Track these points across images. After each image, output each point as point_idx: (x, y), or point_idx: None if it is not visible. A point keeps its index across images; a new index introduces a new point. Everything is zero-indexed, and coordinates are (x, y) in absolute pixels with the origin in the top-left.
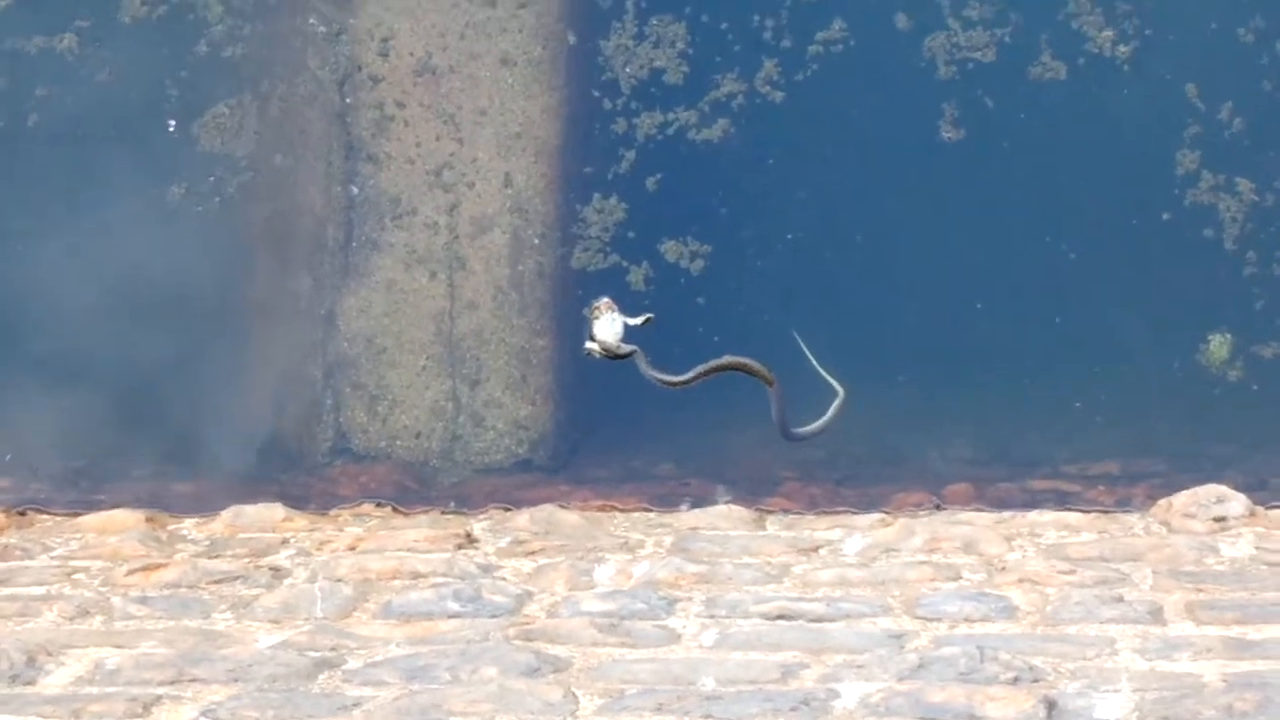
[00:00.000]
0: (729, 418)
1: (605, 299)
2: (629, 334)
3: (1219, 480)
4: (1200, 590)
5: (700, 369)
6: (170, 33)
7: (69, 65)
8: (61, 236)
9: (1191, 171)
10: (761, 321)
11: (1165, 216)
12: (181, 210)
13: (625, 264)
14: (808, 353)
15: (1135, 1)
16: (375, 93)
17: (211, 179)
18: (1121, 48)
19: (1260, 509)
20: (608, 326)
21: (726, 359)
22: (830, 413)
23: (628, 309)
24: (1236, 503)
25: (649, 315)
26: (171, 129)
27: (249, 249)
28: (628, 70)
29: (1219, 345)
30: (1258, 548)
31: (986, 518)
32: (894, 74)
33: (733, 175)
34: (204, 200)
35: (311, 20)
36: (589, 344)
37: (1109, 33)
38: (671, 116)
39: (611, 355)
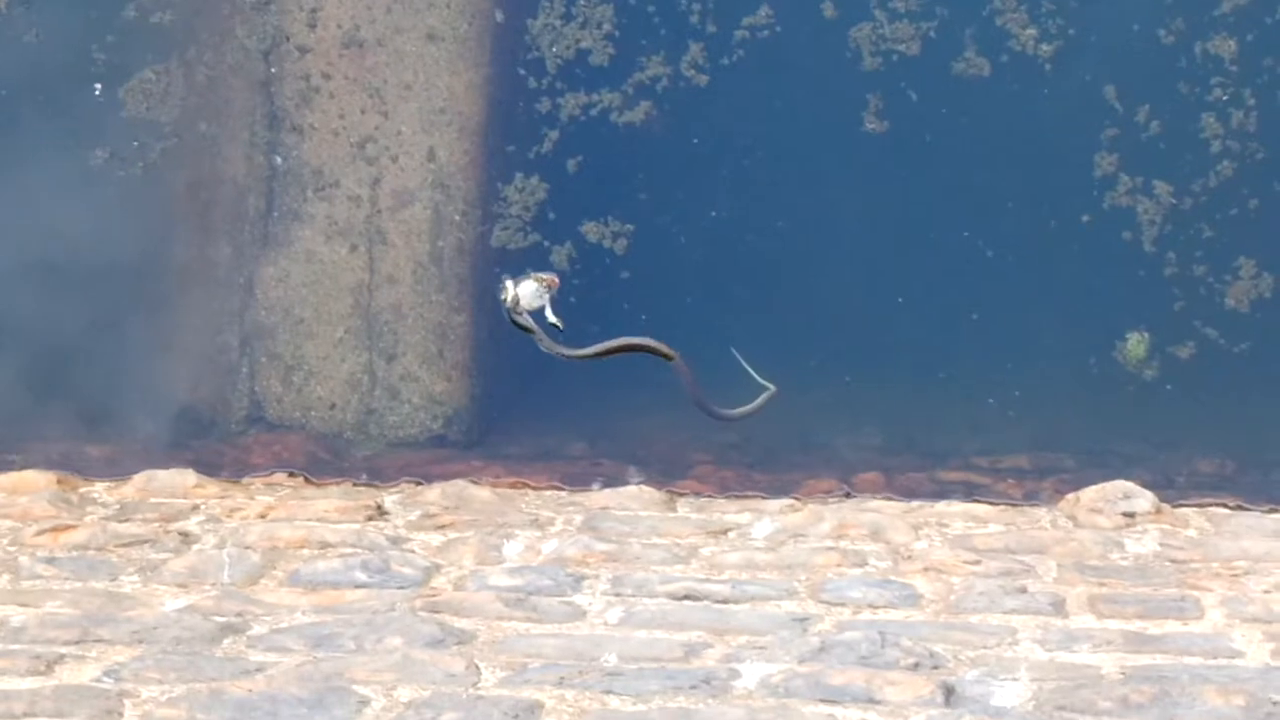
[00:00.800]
0: (643, 400)
1: (554, 275)
2: (537, 316)
3: (1127, 477)
4: (1103, 584)
5: (598, 347)
6: None
7: None
8: None
9: (1109, 174)
10: (683, 304)
11: (1085, 219)
12: (104, 175)
13: (546, 243)
14: (743, 362)
15: (1059, 1)
16: (301, 63)
17: (135, 144)
18: (1044, 46)
19: (1166, 507)
20: (533, 293)
21: (624, 340)
22: (759, 400)
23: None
24: (1143, 499)
25: (560, 326)
26: (97, 93)
27: (170, 216)
28: (554, 50)
29: (1136, 344)
30: (1162, 544)
31: (895, 506)
32: (819, 63)
33: (655, 158)
34: (127, 165)
35: None
36: (508, 282)
37: (1032, 30)
38: (595, 98)
39: (513, 315)
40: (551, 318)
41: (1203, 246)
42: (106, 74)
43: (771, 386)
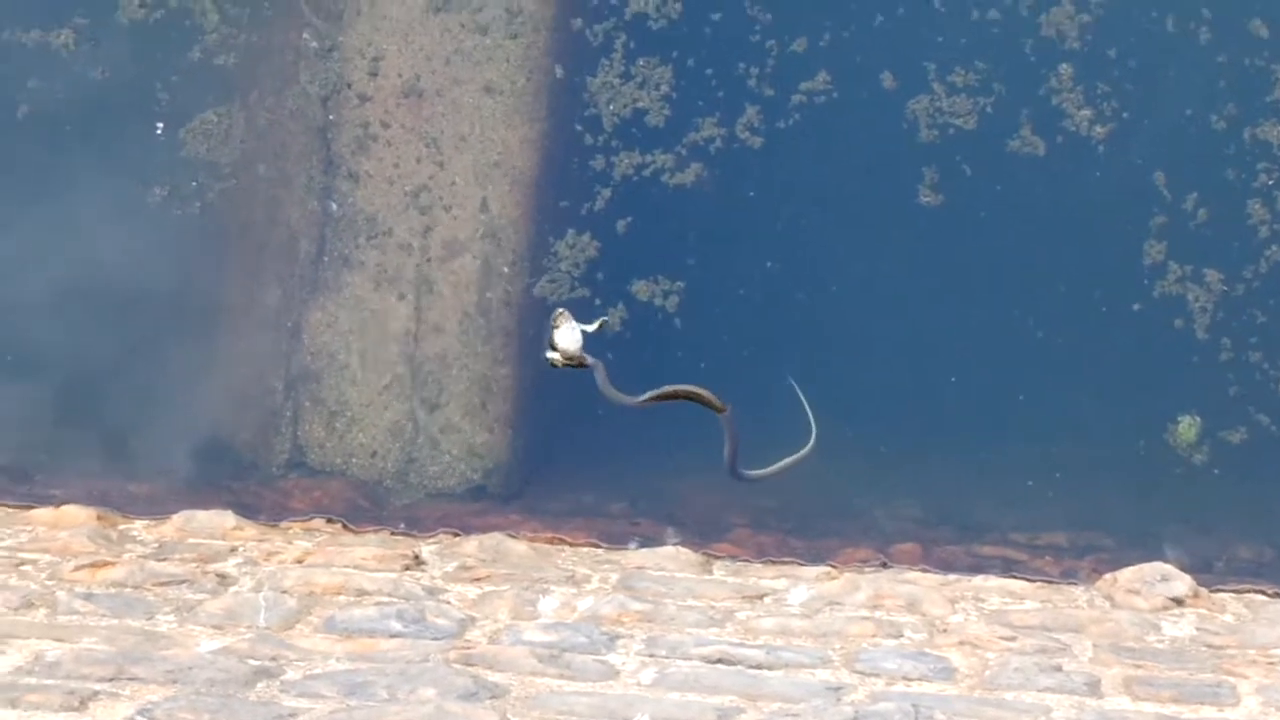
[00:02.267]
0: (683, 461)
1: (561, 310)
2: (588, 343)
3: (1165, 560)
4: (1139, 666)
5: (653, 393)
6: (165, 37)
7: (64, 60)
8: (40, 230)
9: (1159, 262)
10: (728, 366)
11: (1136, 307)
12: (161, 212)
13: (594, 300)
14: (801, 396)
15: (1114, 82)
16: (361, 111)
17: (194, 184)
18: (1098, 128)
19: (1204, 591)
20: (568, 335)
21: (678, 387)
22: (786, 461)
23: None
24: (1180, 582)
25: (603, 319)
26: (159, 131)
27: (223, 256)
28: (611, 108)
29: (1187, 428)
30: (1199, 629)
31: (932, 579)
32: (875, 132)
33: (706, 220)
34: (184, 204)
35: (305, 35)
36: (550, 353)
37: (1087, 112)
38: (649, 158)
39: (572, 364)
40: (591, 326)
41: (1258, 333)
42: (169, 113)
43: (811, 441)
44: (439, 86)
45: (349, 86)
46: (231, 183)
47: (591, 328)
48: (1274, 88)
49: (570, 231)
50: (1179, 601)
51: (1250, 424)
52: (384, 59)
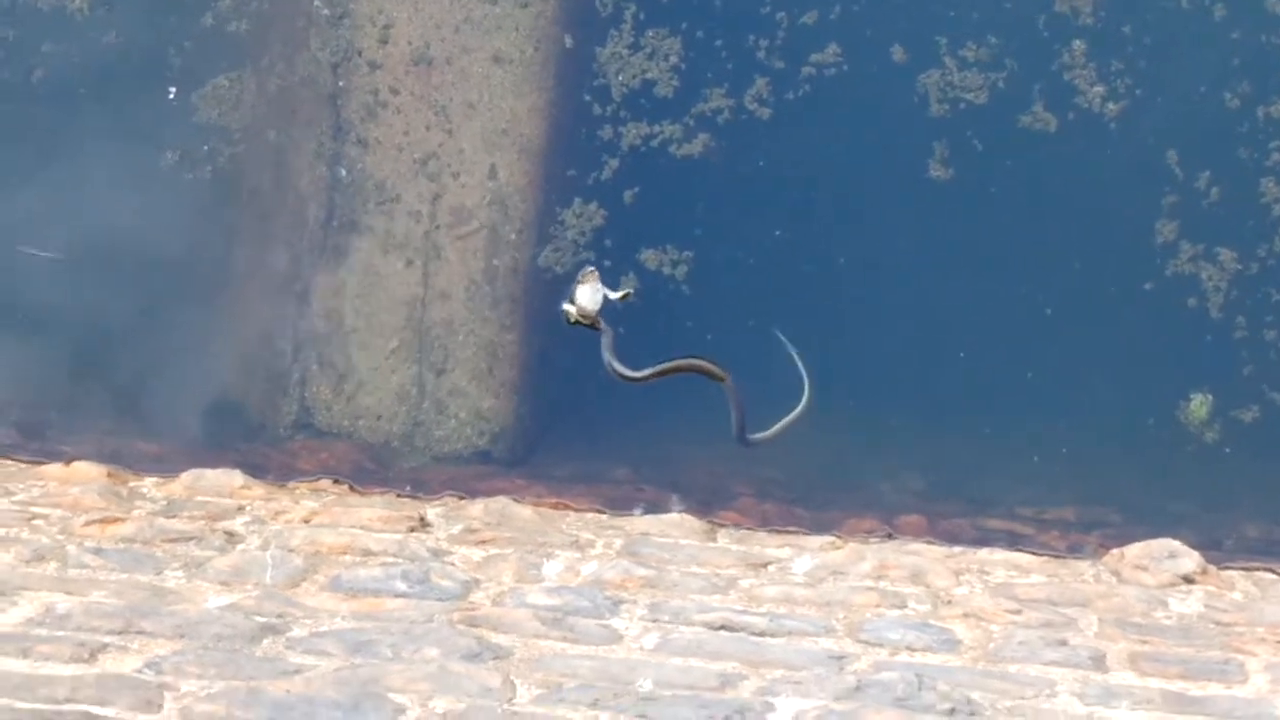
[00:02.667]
0: (688, 428)
1: (592, 268)
2: (606, 309)
3: (1173, 536)
4: (1145, 642)
5: (654, 369)
6: (179, 2)
7: (78, 25)
8: (53, 193)
9: (1170, 241)
10: (735, 335)
11: (1148, 286)
12: (172, 176)
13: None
14: (791, 351)
15: (1127, 59)
16: (371, 78)
17: (205, 148)
18: (1111, 105)
19: (1212, 568)
20: (590, 294)
21: (680, 360)
22: (787, 419)
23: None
24: (1188, 559)
25: (629, 290)
26: (172, 96)
27: (233, 220)
28: (620, 79)
29: (1199, 405)
30: (1207, 605)
31: (937, 550)
32: (886, 105)
33: (713, 191)
34: (196, 168)
35: (316, 2)
36: (567, 305)
37: (1100, 88)
38: (657, 129)
39: (585, 322)
40: (617, 294)
41: (1272, 311)
42: (182, 78)
43: (805, 395)
44: (448, 54)
45: (359, 54)
46: (242, 148)
47: (616, 294)
48: None
49: (577, 200)
50: (1188, 579)
51: (1263, 402)
52: (394, 26)
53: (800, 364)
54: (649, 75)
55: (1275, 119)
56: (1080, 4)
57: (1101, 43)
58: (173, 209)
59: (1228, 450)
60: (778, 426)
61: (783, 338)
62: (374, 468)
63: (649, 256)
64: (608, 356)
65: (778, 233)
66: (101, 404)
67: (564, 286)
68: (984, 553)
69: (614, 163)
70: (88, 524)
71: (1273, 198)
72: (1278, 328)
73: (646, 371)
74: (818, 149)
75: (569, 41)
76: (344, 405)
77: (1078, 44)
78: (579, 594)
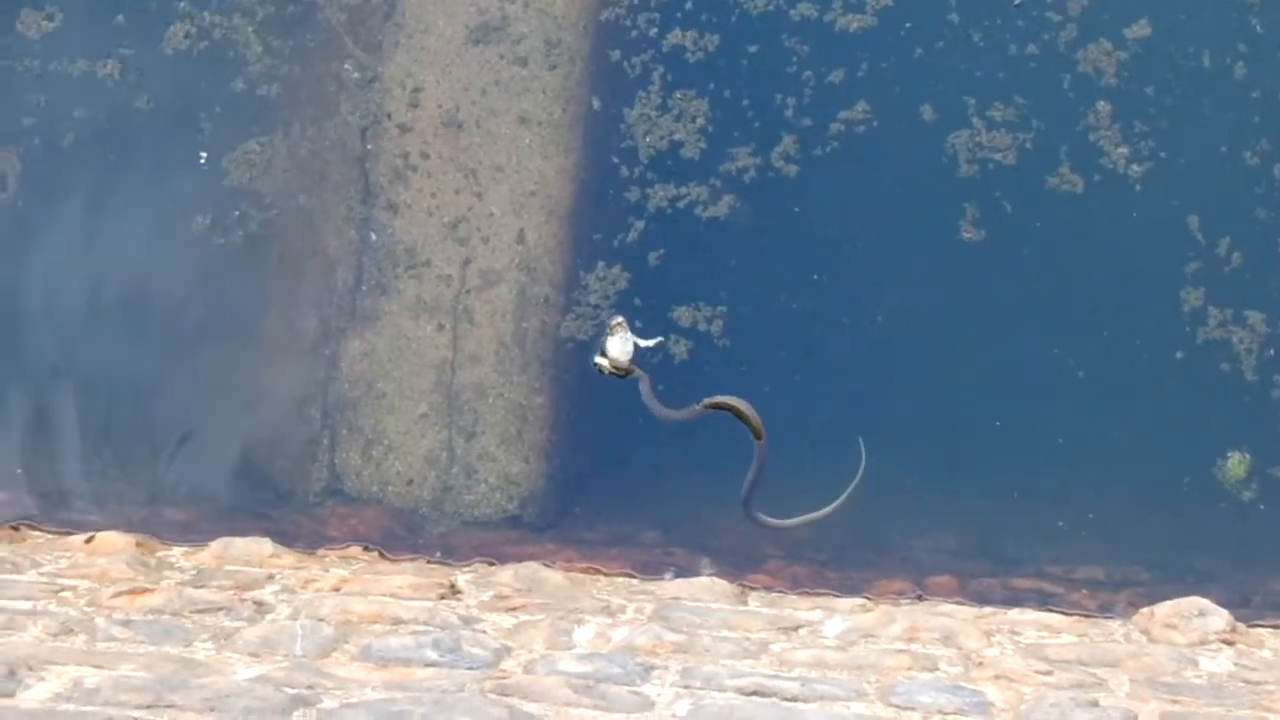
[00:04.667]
0: (718, 491)
1: (620, 317)
2: (637, 357)
3: (1202, 594)
4: (1176, 702)
5: (695, 407)
6: (209, 67)
7: (109, 90)
8: (83, 257)
9: (1198, 308)
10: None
11: (1179, 355)
12: (204, 241)
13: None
14: (861, 466)
15: (1150, 120)
16: (400, 141)
17: (236, 213)
18: (1135, 167)
19: (1242, 626)
20: (620, 345)
21: (726, 399)
22: (808, 517)
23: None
24: (1218, 617)
25: (661, 338)
26: (203, 161)
27: (262, 284)
28: (647, 140)
29: (1237, 464)
30: (1236, 664)
31: (967, 611)
32: (914, 164)
33: (740, 251)
34: (227, 233)
35: (346, 66)
36: (599, 359)
37: (1124, 150)
38: (684, 190)
39: (619, 373)
40: (649, 343)
41: None
42: (213, 143)
43: (836, 505)
44: (477, 117)
45: (389, 117)
46: (273, 212)
47: (648, 343)
48: None
49: (600, 264)
50: (1219, 639)
51: None
52: (423, 90)
53: (856, 480)
54: (676, 136)
55: None
56: (1104, 65)
57: (1126, 103)
58: (203, 273)
59: (1262, 508)
60: (792, 521)
61: (863, 449)
62: (404, 533)
63: (682, 314)
64: (648, 399)
65: (801, 300)
66: (130, 472)
67: (589, 352)
68: (1014, 613)
69: (640, 225)
70: (116, 595)
71: None
72: None
73: (685, 412)
74: (843, 206)
75: (596, 103)
76: (373, 471)
77: (1102, 105)
78: (610, 660)
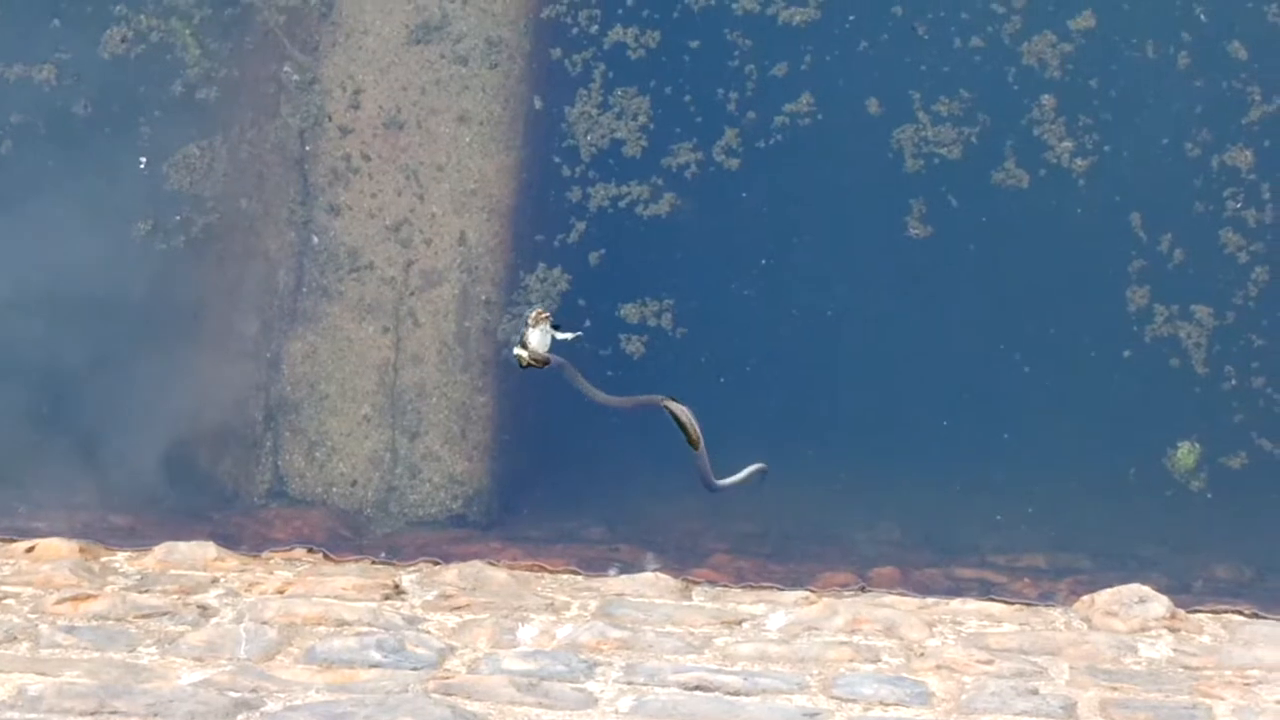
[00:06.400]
0: (662, 486)
1: (542, 310)
2: (556, 347)
3: (1144, 581)
4: (1115, 689)
5: (631, 399)
6: (147, 71)
7: (46, 95)
8: (23, 263)
9: (1144, 307)
10: (705, 395)
11: (1126, 354)
12: (145, 246)
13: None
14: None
15: (1094, 113)
16: (341, 143)
17: (178, 217)
18: (1079, 161)
19: (1182, 612)
20: (540, 336)
21: (664, 400)
22: (747, 471)
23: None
24: (1158, 604)
25: (579, 332)
26: (142, 165)
27: (204, 288)
28: (589, 138)
29: (1186, 453)
30: (1176, 650)
31: (910, 602)
32: (860, 158)
33: (684, 245)
34: (169, 238)
35: (285, 68)
36: (519, 350)
37: (1068, 144)
38: (625, 189)
39: (537, 364)
40: (567, 335)
41: (1258, 357)
42: (152, 148)
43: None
44: (417, 117)
45: (329, 119)
46: (214, 216)
47: (567, 335)
48: (1249, 110)
49: (541, 265)
50: (1158, 624)
51: (1252, 449)
52: (363, 91)
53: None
54: (618, 135)
55: (1229, 166)
56: (1048, 57)
57: (1070, 97)
58: (144, 278)
59: (1209, 496)
60: (739, 475)
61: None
62: (349, 535)
63: (629, 310)
64: (577, 382)
65: (747, 292)
66: (71, 477)
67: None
68: (956, 603)
69: (581, 225)
70: (60, 602)
71: (1235, 247)
72: (1264, 374)
73: (619, 400)
74: (787, 199)
75: (538, 102)
76: (317, 472)
77: (1046, 98)
78: (554, 658)
